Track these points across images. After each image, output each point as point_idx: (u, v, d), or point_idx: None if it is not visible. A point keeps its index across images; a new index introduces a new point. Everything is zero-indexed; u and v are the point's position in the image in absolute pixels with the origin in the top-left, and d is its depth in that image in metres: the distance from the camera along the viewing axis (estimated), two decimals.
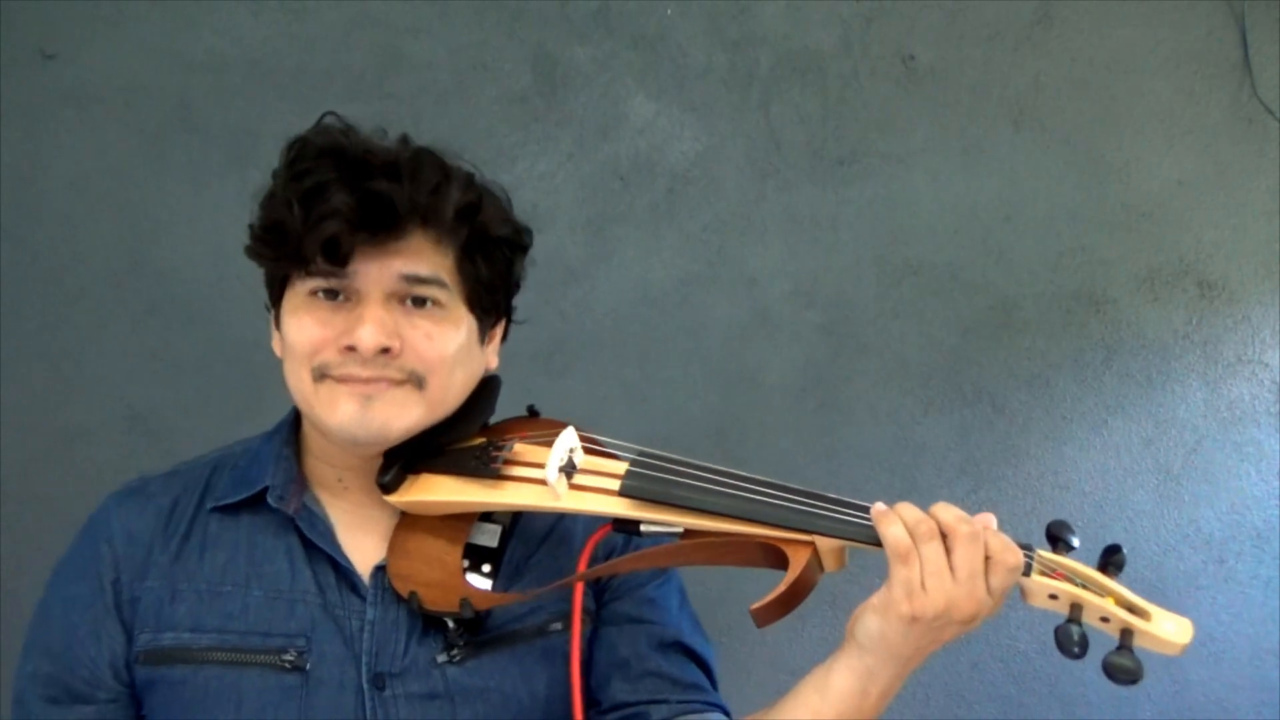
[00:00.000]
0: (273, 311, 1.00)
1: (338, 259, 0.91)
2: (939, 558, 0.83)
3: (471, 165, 1.04)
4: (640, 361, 2.19)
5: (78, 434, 2.05)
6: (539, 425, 1.05)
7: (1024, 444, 2.28)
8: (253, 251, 0.96)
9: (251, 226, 0.96)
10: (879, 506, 0.87)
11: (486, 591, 0.97)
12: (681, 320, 2.22)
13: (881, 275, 2.25)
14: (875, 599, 0.86)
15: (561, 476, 0.94)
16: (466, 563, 0.98)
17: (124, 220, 2.06)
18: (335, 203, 0.90)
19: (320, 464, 1.03)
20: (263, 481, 1.00)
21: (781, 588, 0.85)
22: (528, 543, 1.03)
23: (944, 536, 0.84)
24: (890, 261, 2.25)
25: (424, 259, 0.94)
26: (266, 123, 2.09)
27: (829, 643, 0.93)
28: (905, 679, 0.90)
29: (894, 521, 0.85)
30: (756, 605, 0.85)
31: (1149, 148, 2.29)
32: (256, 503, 1.00)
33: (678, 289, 2.22)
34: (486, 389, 1.04)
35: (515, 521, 1.03)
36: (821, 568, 0.89)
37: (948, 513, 0.85)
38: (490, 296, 1.00)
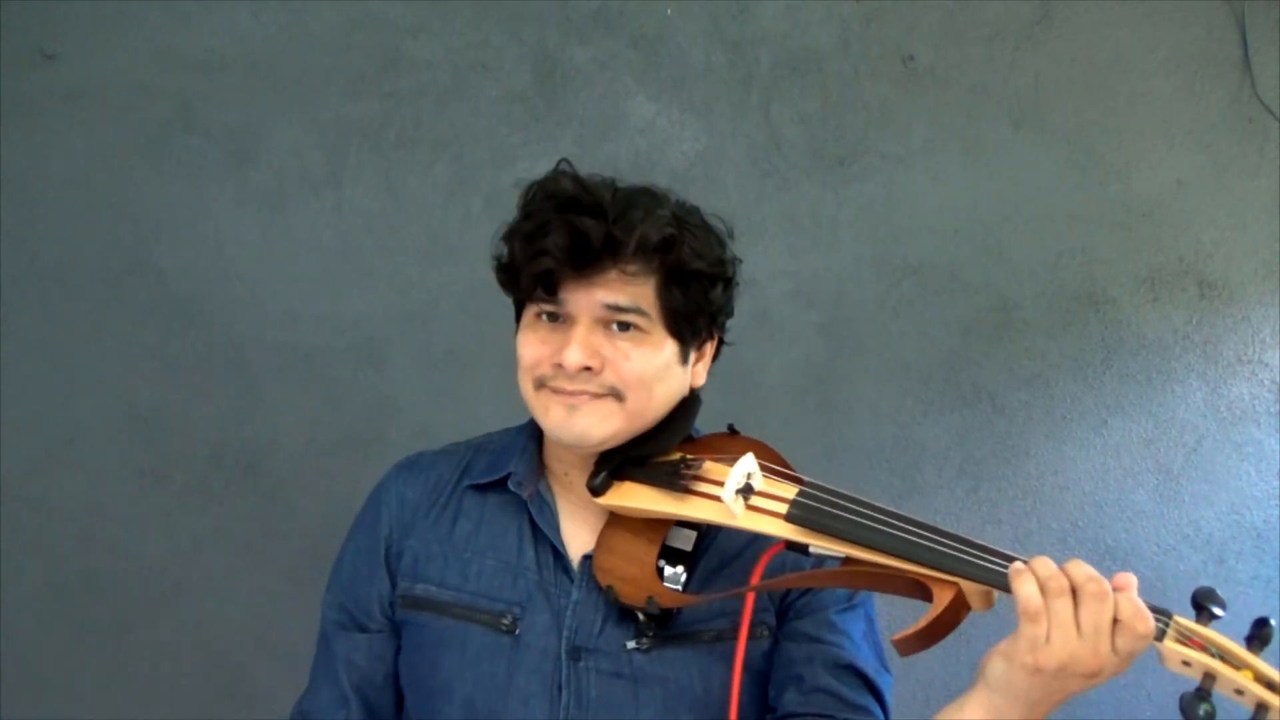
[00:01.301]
0: (516, 326, 1.17)
1: (550, 289, 1.07)
2: (1066, 612, 0.87)
3: (693, 204, 1.18)
4: None
5: (78, 434, 2.05)
6: (735, 443, 1.17)
7: (1024, 444, 2.28)
8: (498, 280, 1.14)
9: (496, 259, 1.14)
10: (1017, 565, 0.91)
11: (672, 592, 1.08)
12: None
13: (881, 275, 2.25)
14: (1004, 645, 0.92)
15: (739, 498, 1.04)
16: (663, 563, 1.10)
17: (124, 220, 2.06)
18: (548, 243, 1.05)
19: (552, 458, 1.19)
20: (508, 468, 1.18)
21: (922, 623, 0.92)
22: (723, 555, 1.14)
23: (1073, 592, 0.88)
24: (890, 261, 2.25)
25: (624, 290, 1.07)
26: (266, 123, 2.09)
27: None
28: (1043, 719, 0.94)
29: (1028, 581, 0.89)
30: (899, 636, 0.93)
31: (1149, 148, 2.29)
32: (502, 485, 1.18)
33: None
34: (687, 407, 1.17)
35: (712, 531, 1.14)
36: (968, 606, 0.95)
37: (1080, 570, 0.89)
38: (689, 323, 1.12)
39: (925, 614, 0.93)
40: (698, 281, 1.11)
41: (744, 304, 2.26)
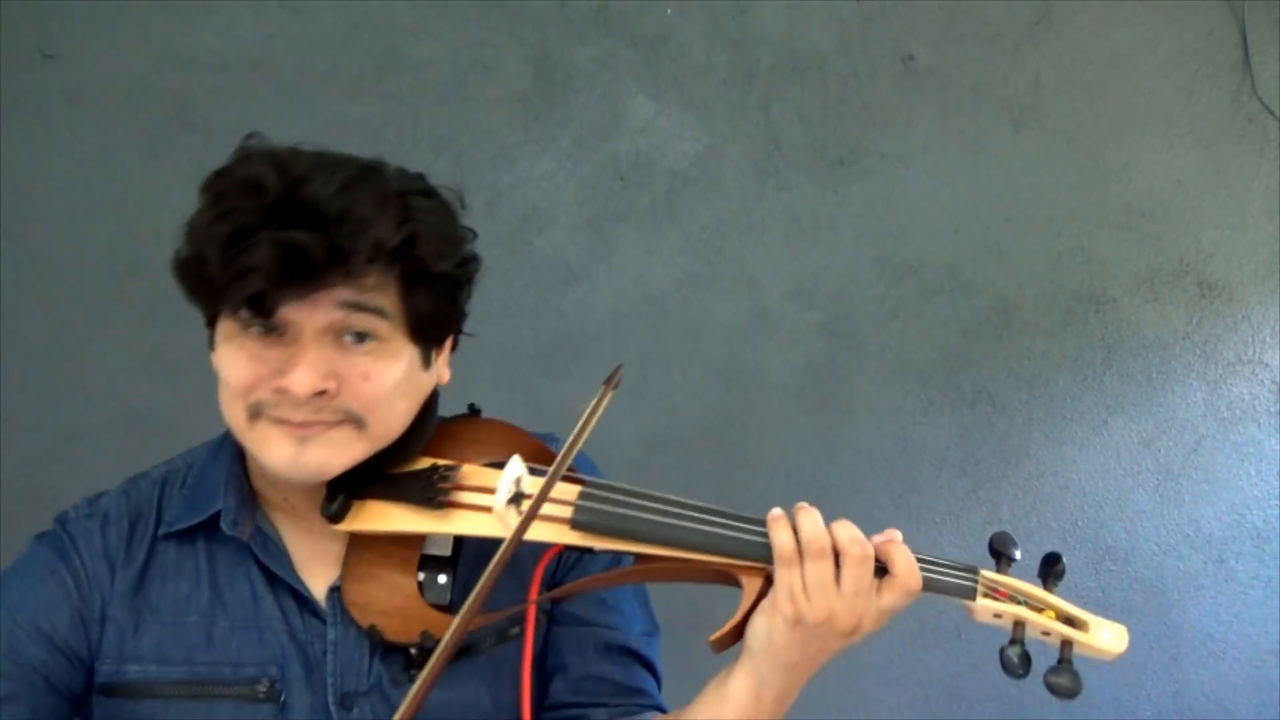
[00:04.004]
0: (209, 330, 0.94)
1: (264, 312, 0.86)
2: (826, 571, 0.85)
3: (444, 174, 1.01)
4: (640, 361, 2.19)
5: (78, 434, 2.05)
6: (482, 429, 1.03)
7: (1024, 444, 2.28)
8: (180, 281, 0.92)
9: (177, 256, 0.92)
10: (775, 512, 0.88)
11: (445, 617, 0.94)
12: (681, 320, 2.22)
13: (881, 275, 2.25)
14: (764, 602, 0.88)
15: (510, 508, 0.91)
16: (423, 574, 0.96)
17: (124, 220, 2.06)
18: (257, 257, 0.83)
19: (265, 484, 0.99)
20: (215, 505, 0.97)
21: (738, 617, 0.88)
22: (487, 554, 0.95)
23: (837, 554, 0.86)
24: (890, 261, 2.25)
25: (362, 290, 0.88)
26: (266, 123, 2.08)
27: None
28: (801, 686, 0.91)
29: (784, 529, 0.87)
30: (715, 636, 0.89)
31: (1149, 148, 2.29)
32: (211, 527, 0.97)
33: (678, 289, 2.22)
34: (427, 407, 0.99)
35: None
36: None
37: (845, 533, 0.87)
38: (434, 329, 0.94)
39: (738, 607, 0.89)
40: (443, 284, 0.93)
41: (744, 304, 2.28)
